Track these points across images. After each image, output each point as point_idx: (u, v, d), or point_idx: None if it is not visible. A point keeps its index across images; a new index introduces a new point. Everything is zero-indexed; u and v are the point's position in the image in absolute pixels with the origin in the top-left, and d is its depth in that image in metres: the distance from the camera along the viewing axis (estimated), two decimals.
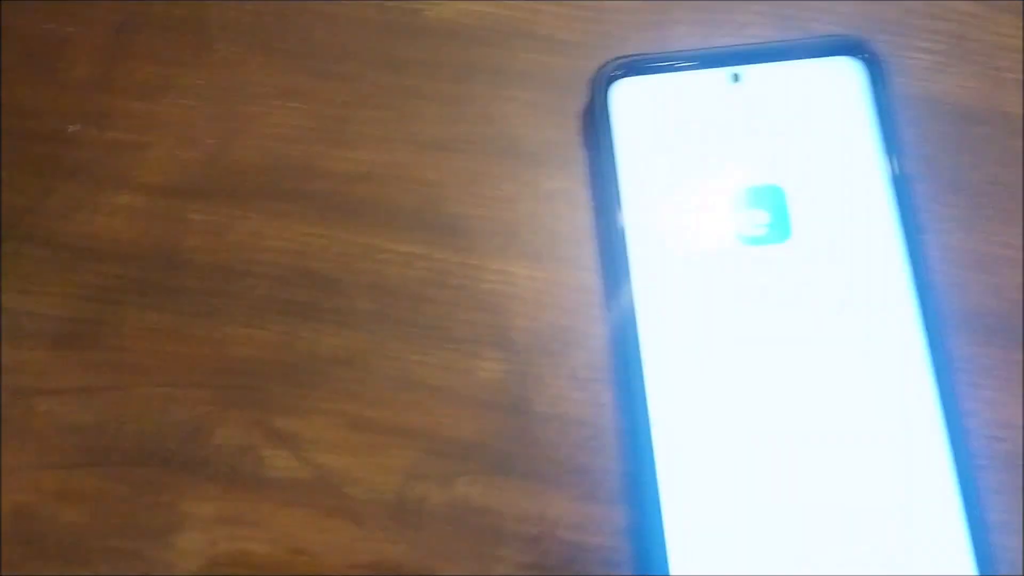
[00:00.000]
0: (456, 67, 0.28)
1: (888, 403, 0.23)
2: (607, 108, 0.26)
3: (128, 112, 0.28)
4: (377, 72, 0.28)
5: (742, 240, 0.25)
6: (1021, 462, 0.24)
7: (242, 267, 0.26)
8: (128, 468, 0.25)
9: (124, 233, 0.27)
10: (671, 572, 0.22)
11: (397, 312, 0.26)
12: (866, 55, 0.26)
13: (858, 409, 0.23)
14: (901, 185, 0.25)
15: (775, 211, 0.25)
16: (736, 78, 0.26)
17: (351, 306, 0.26)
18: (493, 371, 0.25)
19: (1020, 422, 0.24)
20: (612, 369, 0.25)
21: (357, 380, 0.25)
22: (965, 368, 0.25)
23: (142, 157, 0.27)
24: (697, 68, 0.26)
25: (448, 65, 0.28)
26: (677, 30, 0.28)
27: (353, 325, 0.26)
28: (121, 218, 0.27)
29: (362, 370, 0.26)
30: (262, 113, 0.28)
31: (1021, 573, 0.23)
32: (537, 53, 0.28)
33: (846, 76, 0.26)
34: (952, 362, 0.23)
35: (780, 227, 0.25)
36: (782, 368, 0.24)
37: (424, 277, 0.26)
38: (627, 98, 0.26)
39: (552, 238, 0.26)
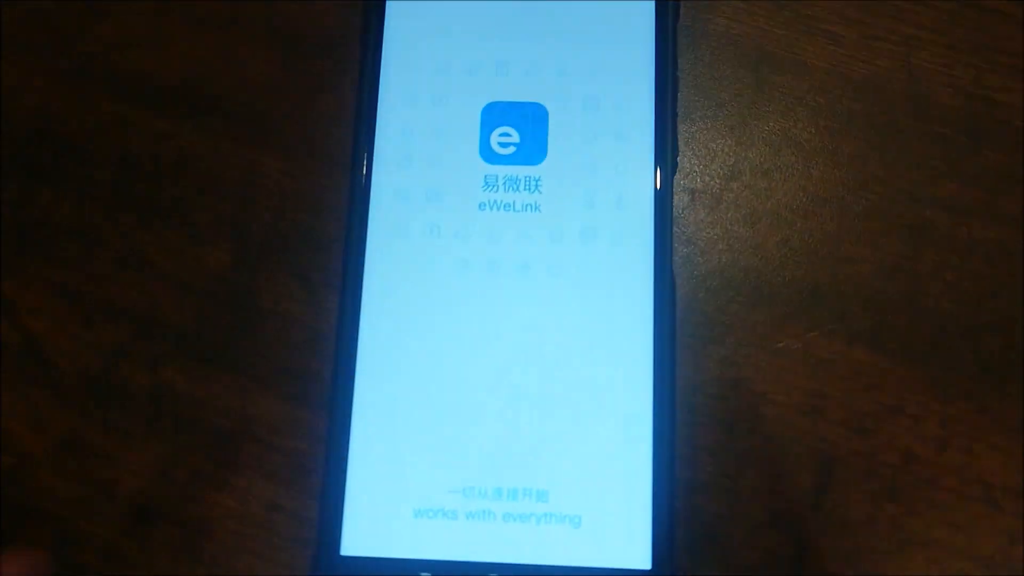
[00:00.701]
0: None
1: (605, 337, 0.22)
2: (383, 12, 0.24)
3: None
4: None
5: (491, 159, 0.24)
6: (744, 425, 0.23)
7: None
8: None
9: None
10: (348, 485, 0.22)
11: (137, 188, 0.25)
12: None
13: (572, 338, 0.22)
14: (663, 124, 0.23)
15: (533, 130, 0.24)
16: None
17: (91, 176, 0.25)
18: (223, 261, 0.24)
19: (750, 385, 0.23)
20: (342, 275, 0.24)
21: (84, 252, 0.25)
22: (702, 322, 0.23)
23: None
24: None
25: None
26: None
27: (92, 196, 0.25)
28: None
29: (92, 242, 0.25)
30: None
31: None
32: None
33: (635, 4, 0.24)
34: (674, 311, 0.22)
35: (536, 147, 0.24)
36: (504, 292, 0.23)
37: (172, 157, 0.25)
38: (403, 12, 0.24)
39: (308, 127, 0.25)
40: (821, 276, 0.24)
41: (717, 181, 0.24)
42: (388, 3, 0.25)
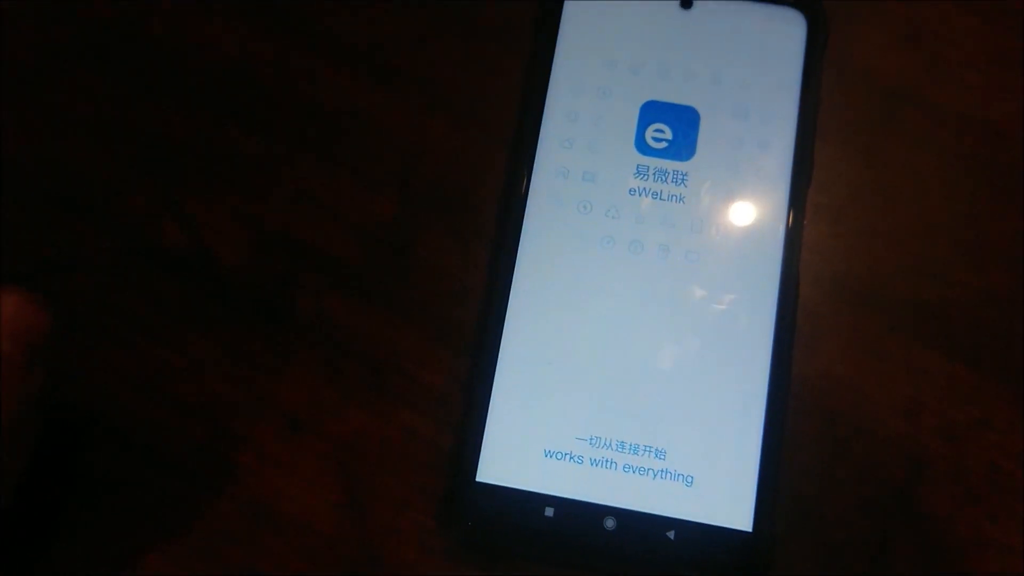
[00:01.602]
0: None
1: (732, 321, 0.25)
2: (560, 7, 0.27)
3: None
4: None
5: (644, 151, 0.26)
6: (838, 417, 0.25)
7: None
8: None
9: None
10: (488, 420, 0.24)
11: (317, 134, 0.28)
12: (811, 11, 0.27)
13: (702, 318, 0.25)
14: (803, 140, 0.26)
15: (685, 130, 0.26)
16: (687, 5, 0.27)
17: (276, 119, 0.28)
18: (388, 209, 0.27)
19: (853, 383, 0.26)
20: (494, 236, 0.27)
21: (264, 185, 0.27)
22: (816, 321, 0.26)
23: None
24: None
25: None
26: None
27: (276, 136, 0.28)
28: None
29: (272, 178, 0.27)
30: None
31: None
32: None
33: (788, 26, 0.27)
34: (795, 306, 0.25)
35: (686, 146, 0.26)
36: (643, 269, 0.25)
37: (350, 109, 0.28)
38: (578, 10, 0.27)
39: (477, 102, 0.28)
40: (929, 294, 0.26)
41: (842, 198, 0.27)
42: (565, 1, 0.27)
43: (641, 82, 0.27)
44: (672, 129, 0.26)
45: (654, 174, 0.26)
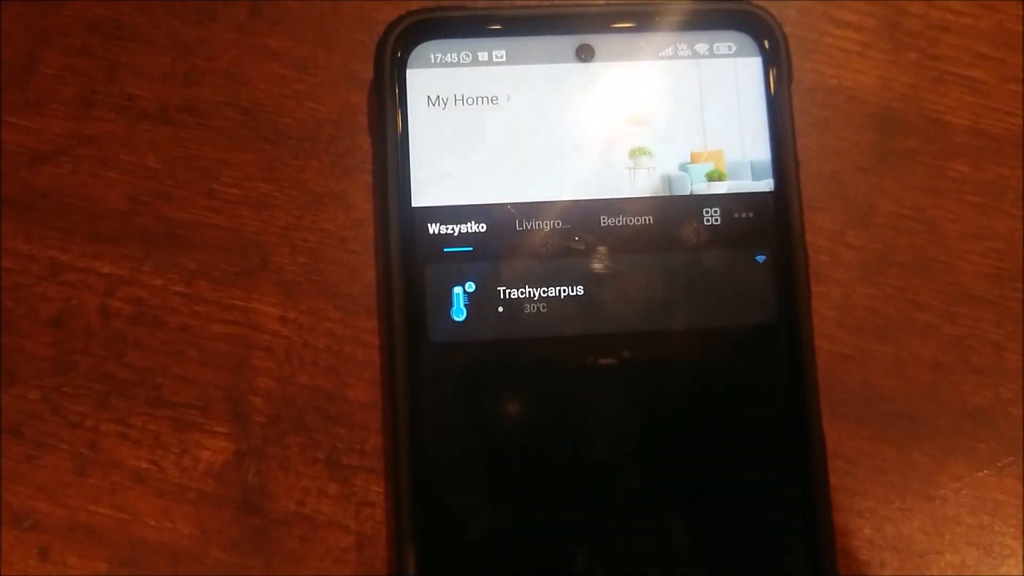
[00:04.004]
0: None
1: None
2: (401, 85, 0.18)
3: None
4: None
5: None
6: None
7: None
8: None
9: None
10: None
11: (87, 359, 0.18)
12: (761, 30, 0.18)
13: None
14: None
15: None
16: (583, 54, 0.18)
17: (20, 344, 0.18)
18: (220, 452, 0.18)
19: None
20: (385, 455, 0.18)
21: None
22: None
23: None
24: (522, 33, 0.18)
25: None
26: None
27: (23, 376, 0.18)
28: None
29: (34, 445, 0.18)
30: None
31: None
32: None
33: (732, 58, 0.19)
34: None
35: None
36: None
37: (131, 311, 0.19)
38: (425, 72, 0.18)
39: (317, 265, 0.19)
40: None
41: (851, 280, 0.19)
42: None
43: None
44: None
45: None
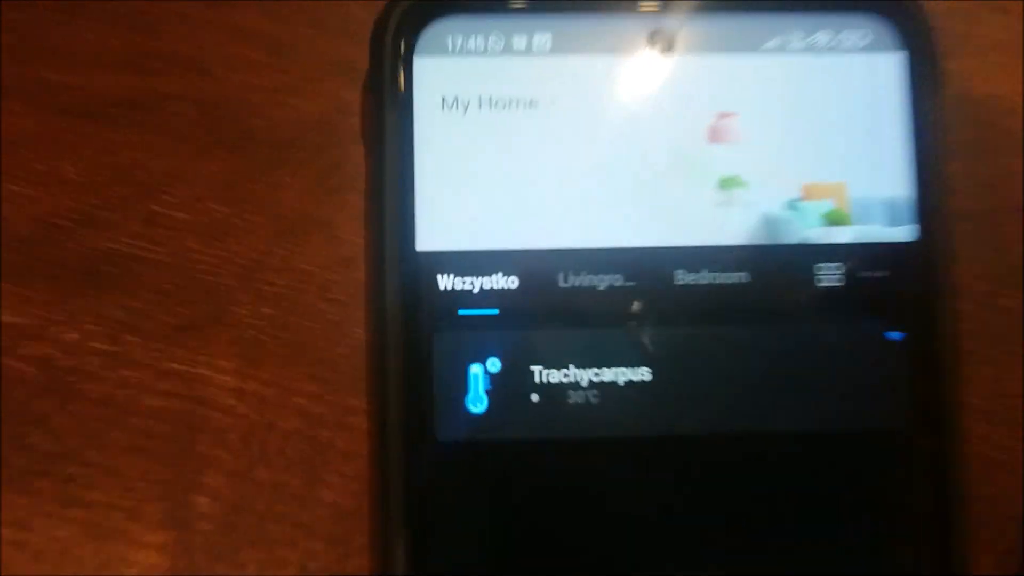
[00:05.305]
0: None
1: None
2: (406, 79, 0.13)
3: None
4: None
5: None
6: None
7: None
8: None
9: None
10: None
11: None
12: (907, 15, 0.13)
13: None
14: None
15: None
16: (658, 43, 0.13)
17: None
18: (151, 571, 0.14)
19: None
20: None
21: None
22: None
23: None
24: (575, 11, 0.13)
25: None
26: None
27: None
28: None
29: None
30: None
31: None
32: None
33: (865, 54, 0.14)
34: None
35: None
36: None
37: (35, 375, 0.14)
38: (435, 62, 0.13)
39: (287, 318, 0.14)
40: None
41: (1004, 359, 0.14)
42: None
43: None
44: None
45: None
